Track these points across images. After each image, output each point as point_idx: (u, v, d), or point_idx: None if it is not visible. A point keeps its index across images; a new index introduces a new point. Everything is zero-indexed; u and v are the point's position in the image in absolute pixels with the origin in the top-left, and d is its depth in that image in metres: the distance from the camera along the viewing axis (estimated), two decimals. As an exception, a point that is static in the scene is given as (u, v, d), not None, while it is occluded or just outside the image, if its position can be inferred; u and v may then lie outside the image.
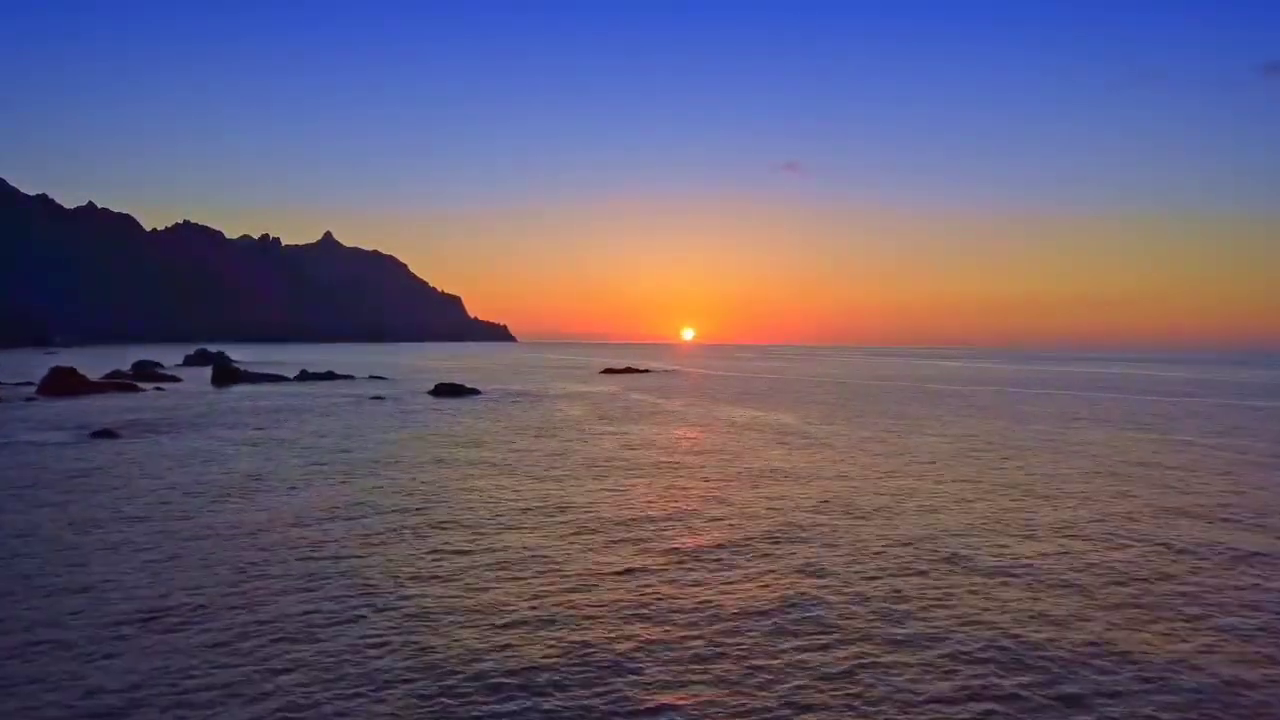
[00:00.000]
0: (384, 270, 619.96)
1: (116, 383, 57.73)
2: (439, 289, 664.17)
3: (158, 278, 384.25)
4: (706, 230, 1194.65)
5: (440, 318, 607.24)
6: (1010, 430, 38.26)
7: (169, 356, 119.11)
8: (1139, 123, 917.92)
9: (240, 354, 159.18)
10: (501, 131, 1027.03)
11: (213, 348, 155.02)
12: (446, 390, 57.57)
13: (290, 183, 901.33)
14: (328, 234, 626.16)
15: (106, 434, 32.10)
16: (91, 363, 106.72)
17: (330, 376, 74.24)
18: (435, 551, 15.16)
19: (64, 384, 51.26)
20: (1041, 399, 62.43)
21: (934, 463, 27.49)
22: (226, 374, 68.08)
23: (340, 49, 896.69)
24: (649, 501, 20.25)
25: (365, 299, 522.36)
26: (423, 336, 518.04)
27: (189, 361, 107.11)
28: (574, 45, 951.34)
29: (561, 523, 17.71)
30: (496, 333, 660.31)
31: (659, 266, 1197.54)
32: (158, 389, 58.32)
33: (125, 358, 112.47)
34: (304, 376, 73.39)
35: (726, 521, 18.03)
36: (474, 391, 58.92)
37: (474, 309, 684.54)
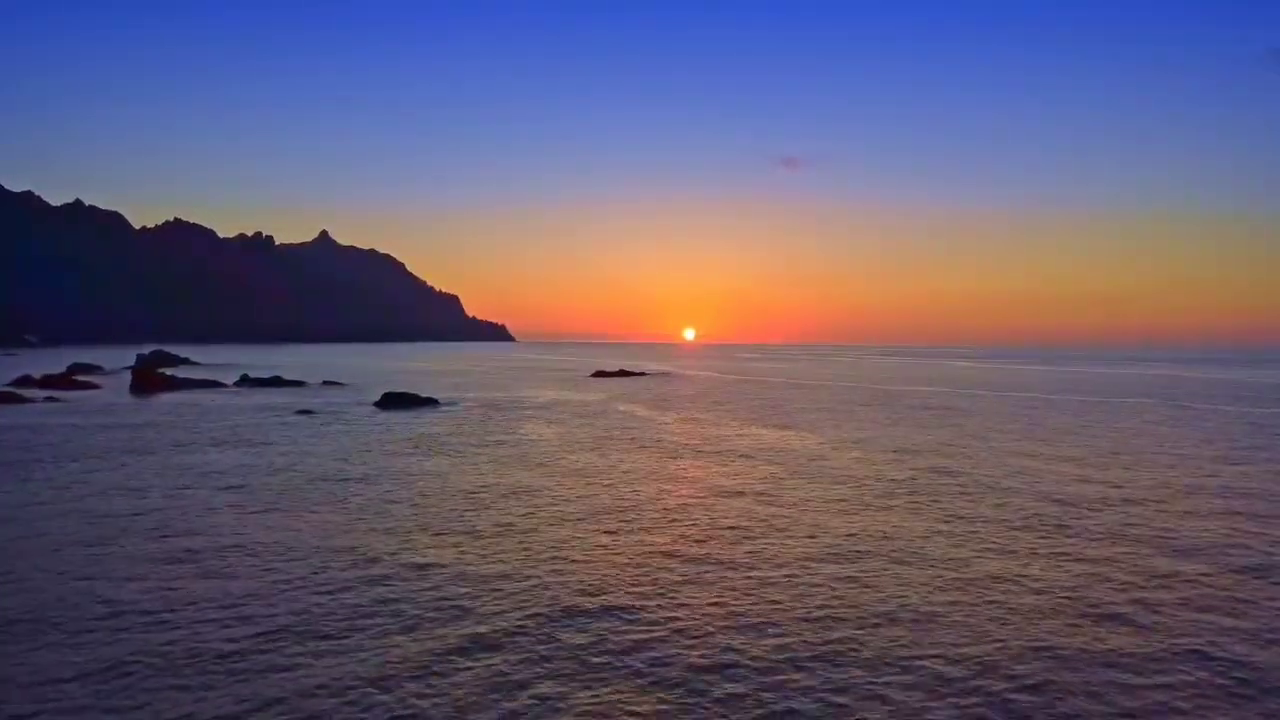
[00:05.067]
0: (381, 269, 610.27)
1: (2, 393, 48.55)
2: (437, 288, 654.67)
3: (147, 277, 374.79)
4: (706, 227, 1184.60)
5: (438, 317, 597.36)
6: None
7: (132, 358, 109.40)
8: (1141, 118, 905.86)
9: (226, 355, 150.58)
10: (500, 130, 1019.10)
11: (198, 350, 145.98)
12: (394, 401, 48.40)
13: (285, 181, 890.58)
14: (324, 233, 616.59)
15: None
16: (44, 364, 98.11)
17: (276, 382, 65.09)
18: None
19: (-80, 396, 42.11)
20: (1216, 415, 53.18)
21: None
22: (149, 381, 58.99)
23: (335, 45, 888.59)
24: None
25: (362, 298, 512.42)
26: (421, 336, 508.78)
27: (141, 362, 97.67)
28: (571, 43, 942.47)
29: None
30: (495, 332, 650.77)
31: (659, 264, 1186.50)
32: (50, 399, 49.11)
33: (81, 358, 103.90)
34: (244, 382, 64.33)
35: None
36: (430, 402, 49.80)
37: (472, 309, 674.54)
